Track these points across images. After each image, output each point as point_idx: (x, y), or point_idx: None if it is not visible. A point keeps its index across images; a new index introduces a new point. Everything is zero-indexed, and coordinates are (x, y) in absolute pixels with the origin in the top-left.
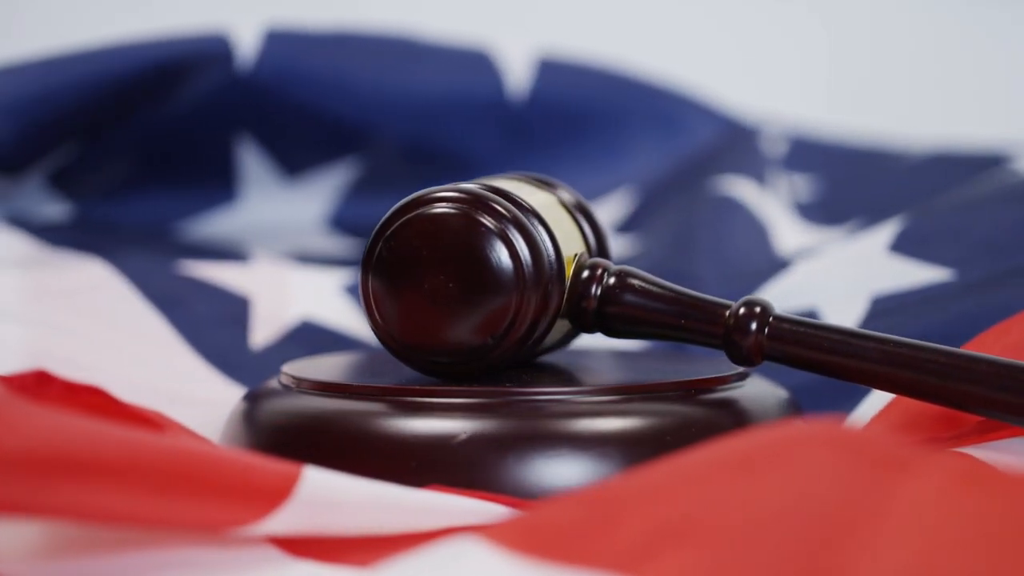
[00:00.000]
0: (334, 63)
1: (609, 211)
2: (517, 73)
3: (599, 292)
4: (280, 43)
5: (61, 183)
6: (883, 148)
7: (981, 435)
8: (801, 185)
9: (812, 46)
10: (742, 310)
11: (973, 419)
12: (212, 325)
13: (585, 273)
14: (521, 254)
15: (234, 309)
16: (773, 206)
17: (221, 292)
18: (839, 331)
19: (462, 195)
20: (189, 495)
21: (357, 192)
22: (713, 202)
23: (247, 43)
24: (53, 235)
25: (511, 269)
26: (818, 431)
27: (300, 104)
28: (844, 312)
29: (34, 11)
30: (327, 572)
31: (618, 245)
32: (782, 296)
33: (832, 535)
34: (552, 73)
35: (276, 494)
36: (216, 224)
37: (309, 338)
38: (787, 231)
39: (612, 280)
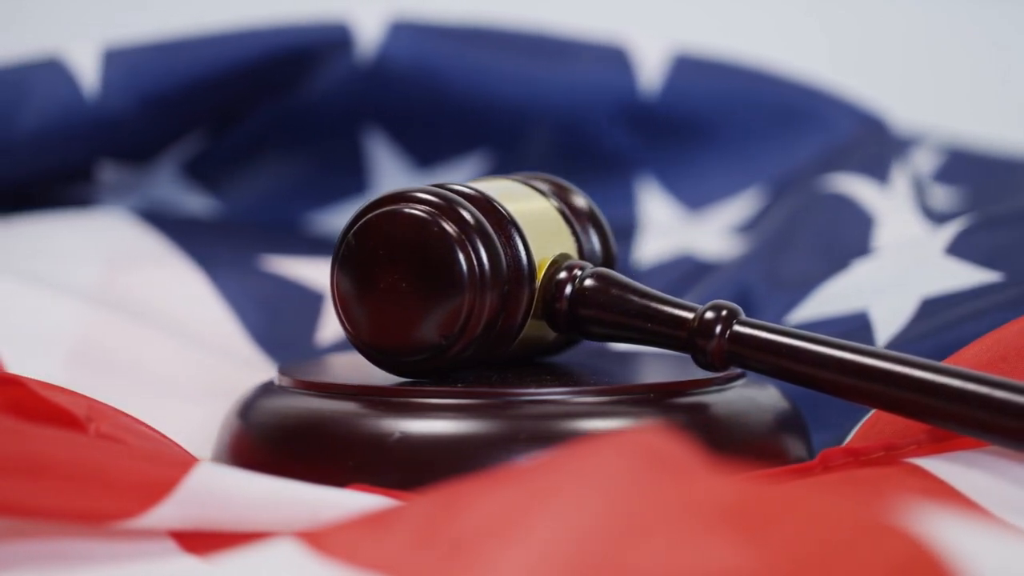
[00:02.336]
0: (464, 55)
1: (737, 211)
2: (651, 69)
3: (570, 293)
4: (407, 34)
5: (195, 173)
6: None
7: (936, 443)
8: (943, 195)
9: (970, 54)
10: (707, 314)
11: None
12: (281, 320)
13: (562, 275)
14: (473, 254)
15: (307, 305)
16: (893, 208)
17: (298, 288)
18: (801, 337)
19: (420, 195)
20: (78, 487)
21: None
22: (820, 200)
23: (369, 32)
24: (170, 228)
25: (463, 270)
26: (623, 441)
27: (429, 96)
28: (893, 314)
29: None
30: (200, 566)
31: (735, 246)
32: (837, 297)
33: (623, 537)
34: (687, 70)
35: (162, 487)
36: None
37: None
38: (899, 235)
39: (585, 282)
